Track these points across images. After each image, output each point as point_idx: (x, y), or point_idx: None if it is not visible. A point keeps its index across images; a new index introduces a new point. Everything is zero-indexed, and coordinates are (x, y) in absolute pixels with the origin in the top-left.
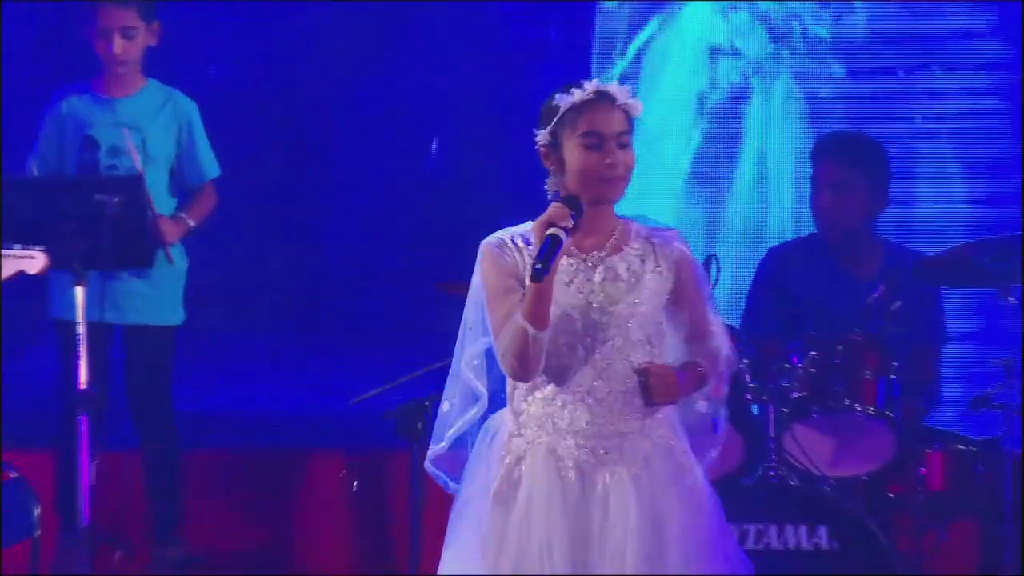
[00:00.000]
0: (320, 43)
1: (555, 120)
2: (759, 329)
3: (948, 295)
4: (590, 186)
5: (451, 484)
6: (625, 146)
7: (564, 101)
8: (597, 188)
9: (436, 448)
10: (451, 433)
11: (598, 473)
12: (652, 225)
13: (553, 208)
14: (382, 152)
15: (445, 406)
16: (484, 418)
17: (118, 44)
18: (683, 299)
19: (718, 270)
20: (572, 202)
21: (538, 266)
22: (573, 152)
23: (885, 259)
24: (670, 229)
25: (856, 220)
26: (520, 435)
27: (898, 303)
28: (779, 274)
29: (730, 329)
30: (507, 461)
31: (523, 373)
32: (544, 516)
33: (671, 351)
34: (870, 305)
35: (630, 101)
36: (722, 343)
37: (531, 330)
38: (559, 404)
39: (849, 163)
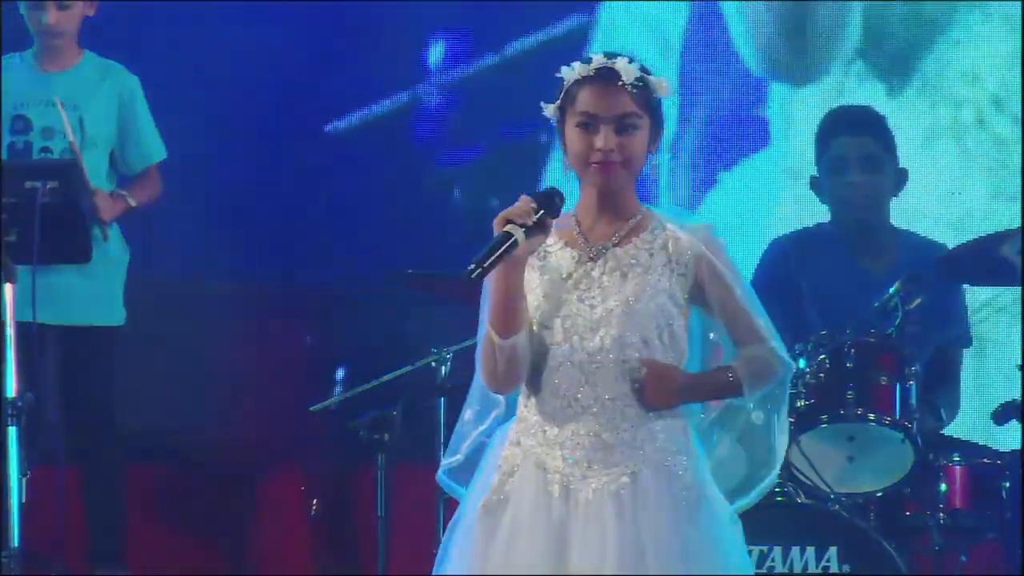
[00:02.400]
0: (286, 14)
1: (562, 95)
2: None
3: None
4: (583, 170)
5: None
6: (629, 130)
7: (568, 75)
8: (588, 173)
9: (451, 460)
10: (467, 445)
11: (581, 489)
12: (682, 216)
13: (519, 202)
14: (352, 136)
15: (467, 414)
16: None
17: (52, 15)
18: (710, 301)
19: None
20: (547, 199)
21: (471, 266)
22: (570, 132)
23: (902, 251)
24: (702, 222)
25: (882, 205)
26: (518, 444)
27: (917, 300)
28: (784, 268)
29: None
30: (502, 471)
31: (493, 385)
32: (527, 539)
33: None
34: (885, 303)
35: (638, 80)
36: (770, 348)
37: (496, 338)
38: (549, 411)
39: (879, 139)
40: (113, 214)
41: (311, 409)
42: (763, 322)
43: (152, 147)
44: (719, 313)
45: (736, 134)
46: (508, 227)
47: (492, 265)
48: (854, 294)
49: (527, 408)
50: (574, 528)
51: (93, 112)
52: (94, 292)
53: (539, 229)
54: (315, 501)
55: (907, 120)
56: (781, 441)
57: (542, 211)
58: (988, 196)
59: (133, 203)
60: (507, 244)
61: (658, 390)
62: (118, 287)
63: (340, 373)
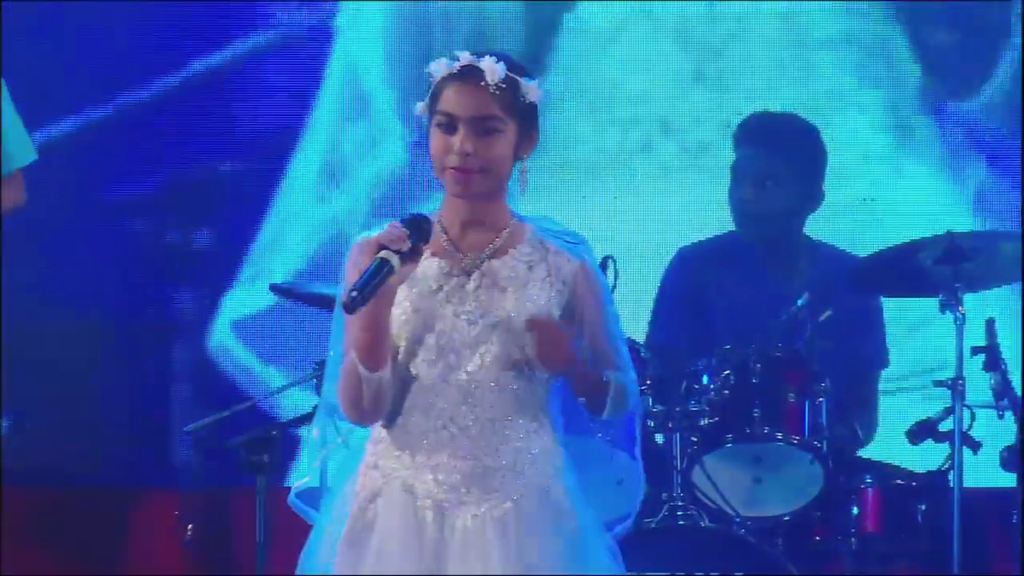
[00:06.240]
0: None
1: (429, 92)
2: (665, 343)
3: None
4: (441, 175)
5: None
6: (490, 133)
7: (434, 72)
8: (446, 179)
9: (302, 481)
10: (317, 465)
11: (458, 515)
12: (555, 229)
13: (388, 228)
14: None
15: (315, 432)
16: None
17: None
18: (579, 322)
19: (616, 275)
20: (416, 226)
21: (353, 294)
22: (432, 132)
23: (814, 263)
24: (576, 236)
25: (781, 217)
26: (376, 467)
27: (827, 313)
28: (689, 279)
29: (630, 343)
30: (361, 497)
31: (358, 418)
32: (398, 564)
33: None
34: (794, 316)
35: (503, 81)
36: (629, 382)
37: (363, 371)
38: (418, 432)
39: (775, 150)
40: None
41: (187, 429)
42: (624, 351)
43: (16, 150)
44: (584, 337)
45: None
46: (383, 253)
47: (372, 293)
48: (763, 307)
49: (386, 429)
50: (450, 554)
51: None
52: None
53: (412, 256)
54: (189, 526)
55: None
56: (640, 491)
57: (415, 237)
58: None
59: None
60: (385, 271)
61: (556, 343)
62: None
63: None
